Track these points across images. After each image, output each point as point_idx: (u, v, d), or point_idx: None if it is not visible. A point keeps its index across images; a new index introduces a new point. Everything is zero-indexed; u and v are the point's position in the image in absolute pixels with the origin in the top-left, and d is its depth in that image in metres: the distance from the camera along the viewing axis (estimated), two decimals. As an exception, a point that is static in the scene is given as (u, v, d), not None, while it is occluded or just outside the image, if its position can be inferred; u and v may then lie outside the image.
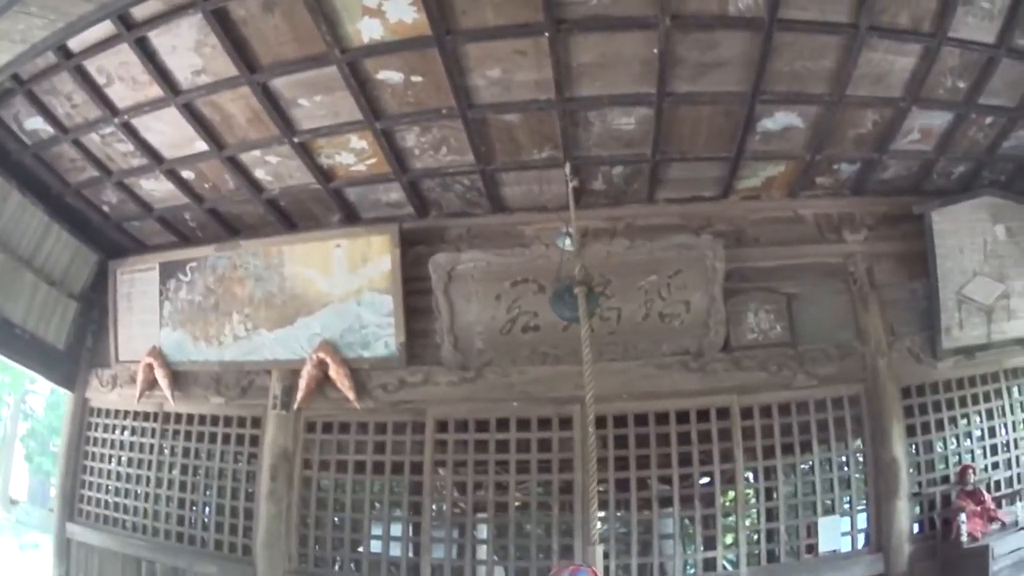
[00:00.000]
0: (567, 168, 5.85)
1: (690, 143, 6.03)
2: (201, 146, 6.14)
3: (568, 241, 5.81)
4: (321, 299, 6.66)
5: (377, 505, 6.61)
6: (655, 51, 5.06)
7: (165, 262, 7.27)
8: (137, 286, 7.38)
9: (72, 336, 7.58)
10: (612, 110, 5.68)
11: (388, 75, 5.38)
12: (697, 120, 5.79)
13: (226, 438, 6.94)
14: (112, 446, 7.46)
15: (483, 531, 6.53)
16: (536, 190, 6.46)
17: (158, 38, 5.15)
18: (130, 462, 7.26)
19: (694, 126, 5.85)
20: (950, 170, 6.58)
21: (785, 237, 6.64)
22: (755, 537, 6.21)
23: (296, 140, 5.95)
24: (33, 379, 16.76)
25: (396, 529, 6.54)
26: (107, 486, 7.36)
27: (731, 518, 6.41)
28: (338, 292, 6.61)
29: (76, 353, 7.67)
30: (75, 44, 5.21)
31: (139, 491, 7.14)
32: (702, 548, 6.21)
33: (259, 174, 6.48)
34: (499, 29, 4.95)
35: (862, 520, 6.20)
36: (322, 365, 6.47)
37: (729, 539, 6.49)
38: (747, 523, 6.33)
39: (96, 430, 7.60)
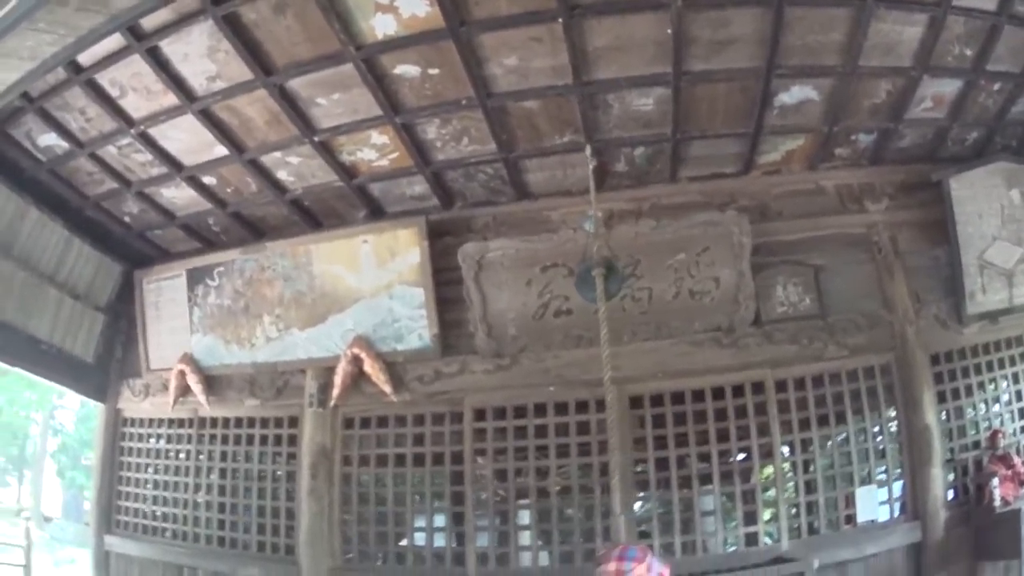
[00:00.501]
0: (588, 150, 5.72)
1: (709, 121, 5.91)
2: (221, 151, 6.00)
3: (591, 224, 5.65)
4: (352, 295, 6.51)
5: (418, 497, 6.44)
6: (668, 32, 4.95)
7: (191, 268, 7.11)
8: (164, 294, 7.23)
9: (101, 348, 7.43)
10: (630, 92, 5.56)
11: (405, 69, 5.24)
12: (714, 98, 5.68)
13: (264, 439, 6.79)
14: (147, 455, 7.31)
15: (525, 517, 6.40)
16: (560, 175, 6.35)
17: (169, 47, 5.02)
18: (167, 470, 7.11)
19: (712, 104, 5.73)
20: (964, 136, 6.48)
21: (808, 209, 6.51)
22: (794, 510, 6.06)
23: (316, 139, 5.82)
24: (61, 394, 16.47)
25: (439, 520, 6.45)
26: (144, 495, 7.20)
27: (770, 492, 6.17)
28: (368, 287, 6.46)
29: (106, 365, 7.51)
30: (85, 58, 5.06)
31: (177, 498, 6.99)
32: (743, 523, 6.04)
33: (281, 175, 6.35)
34: (513, 17, 4.83)
35: (897, 489, 6.06)
36: (357, 361, 6.33)
37: (768, 514, 6.33)
38: (786, 496, 6.18)
39: (130, 440, 7.45)
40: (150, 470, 7.19)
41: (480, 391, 6.29)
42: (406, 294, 6.32)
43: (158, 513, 7.03)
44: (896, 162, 6.52)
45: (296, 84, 5.33)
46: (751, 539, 5.99)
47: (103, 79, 5.34)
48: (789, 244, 6.35)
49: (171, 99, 5.44)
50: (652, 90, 5.53)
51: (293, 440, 6.62)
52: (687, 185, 6.48)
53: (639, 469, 6.23)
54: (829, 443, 6.24)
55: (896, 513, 5.97)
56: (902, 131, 6.22)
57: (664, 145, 6.08)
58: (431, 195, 6.48)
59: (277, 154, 6.05)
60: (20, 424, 19.38)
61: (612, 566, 2.92)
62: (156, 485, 7.11)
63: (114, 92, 5.46)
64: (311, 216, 6.81)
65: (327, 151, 5.95)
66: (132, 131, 5.77)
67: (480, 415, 6.29)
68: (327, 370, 6.49)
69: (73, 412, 20.05)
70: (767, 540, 6.22)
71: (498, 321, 6.26)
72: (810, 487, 6.10)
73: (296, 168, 6.21)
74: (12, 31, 3.89)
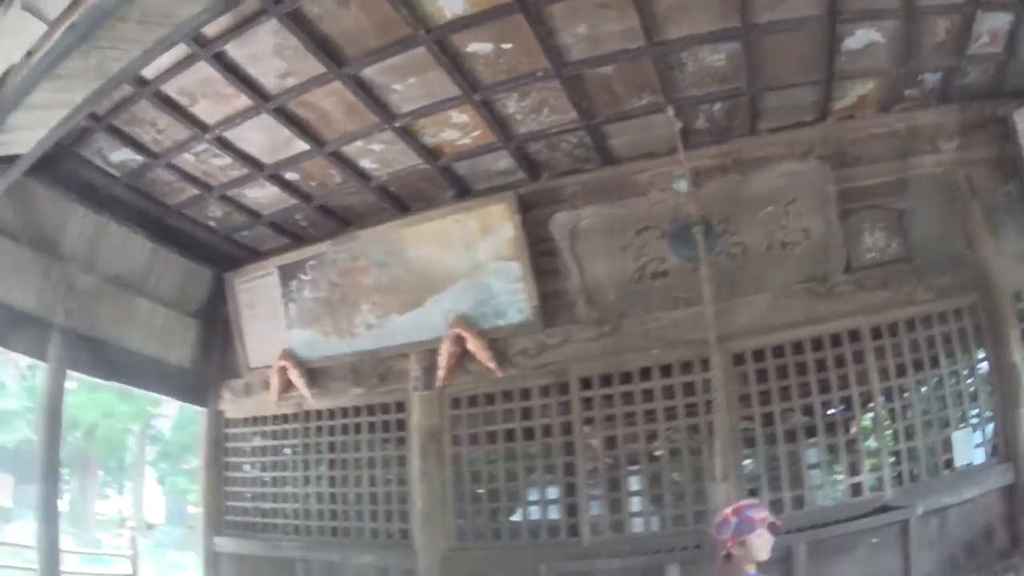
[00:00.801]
0: (670, 111, 5.27)
1: (781, 71, 5.39)
2: (301, 146, 5.58)
3: (683, 183, 5.23)
4: (448, 276, 6.05)
5: (529, 472, 5.99)
6: (732, -15, 4.64)
7: (283, 265, 6.65)
8: (258, 293, 6.77)
9: (197, 353, 6.98)
10: (702, 48, 5.09)
11: (478, 47, 4.81)
12: (783, 48, 5.18)
13: (371, 426, 6.37)
14: (253, 454, 6.92)
15: (635, 483, 5.90)
16: (641, 137, 5.84)
17: (235, 50, 4.64)
18: (274, 466, 6.71)
19: (782, 54, 5.23)
20: (1022, 70, 5.79)
21: (885, 153, 5.93)
22: (894, 458, 5.53)
23: (397, 125, 5.39)
24: (158, 402, 15.70)
25: (551, 492, 5.92)
26: (252, 494, 6.75)
27: (871, 441, 5.74)
28: (464, 266, 6.01)
29: (204, 369, 7.06)
30: (149, 71, 4.66)
31: (286, 493, 6.57)
32: (848, 474, 5.52)
33: (365, 164, 5.90)
34: (580, -15, 4.52)
35: (989, 431, 5.49)
36: (459, 340, 5.89)
37: (870, 463, 5.81)
38: (887, 444, 5.58)
39: (234, 440, 7.03)
40: (256, 468, 6.79)
41: (584, 360, 5.82)
42: (502, 269, 5.84)
43: (267, 510, 6.60)
44: (963, 100, 5.94)
45: (370, 72, 4.92)
46: (856, 489, 5.49)
47: (170, 89, 4.96)
48: (871, 189, 5.82)
49: (244, 101, 5.05)
50: (723, 45, 5.06)
51: (401, 425, 6.21)
52: (767, 137, 5.95)
53: (744, 427, 5.71)
54: (924, 388, 5.72)
55: (990, 455, 5.42)
56: (965, 68, 5.64)
57: (740, 99, 5.58)
58: (517, 169, 6.03)
59: (358, 143, 5.61)
60: (117, 437, 18.65)
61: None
62: (263, 482, 6.70)
63: (184, 100, 5.09)
64: (399, 201, 6.38)
65: (409, 135, 5.52)
66: (207, 136, 5.38)
67: (586, 384, 5.85)
68: (430, 352, 6.06)
69: (170, 419, 19.30)
70: (870, 490, 5.58)
71: (597, 288, 5.82)
72: (910, 433, 5.55)
73: (379, 155, 5.77)
74: (73, 52, 3.46)
